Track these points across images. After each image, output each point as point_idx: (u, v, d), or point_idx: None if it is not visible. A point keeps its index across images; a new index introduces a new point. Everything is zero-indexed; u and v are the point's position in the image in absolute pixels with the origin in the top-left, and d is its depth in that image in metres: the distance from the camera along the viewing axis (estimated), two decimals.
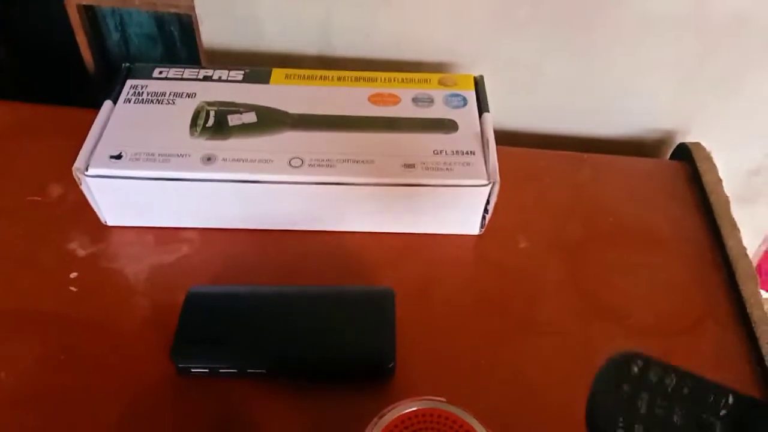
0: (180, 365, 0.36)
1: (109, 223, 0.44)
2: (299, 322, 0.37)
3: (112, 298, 0.41)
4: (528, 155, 0.51)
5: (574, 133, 0.56)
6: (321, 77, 0.47)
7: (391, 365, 0.36)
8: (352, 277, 0.42)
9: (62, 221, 0.45)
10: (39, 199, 0.46)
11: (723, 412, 0.24)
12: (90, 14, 0.61)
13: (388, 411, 0.28)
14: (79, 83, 0.64)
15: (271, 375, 0.37)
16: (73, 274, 0.42)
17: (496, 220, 0.44)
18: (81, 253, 0.43)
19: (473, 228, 0.44)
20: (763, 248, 0.65)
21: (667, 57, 0.51)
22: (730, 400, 0.24)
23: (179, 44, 0.63)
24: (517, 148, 0.51)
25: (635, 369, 0.25)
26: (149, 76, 0.47)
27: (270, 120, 0.44)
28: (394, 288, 0.40)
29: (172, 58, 0.64)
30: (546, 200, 0.48)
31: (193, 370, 0.36)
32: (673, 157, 0.52)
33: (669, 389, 0.24)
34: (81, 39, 0.61)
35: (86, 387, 0.36)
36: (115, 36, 0.63)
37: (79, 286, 0.41)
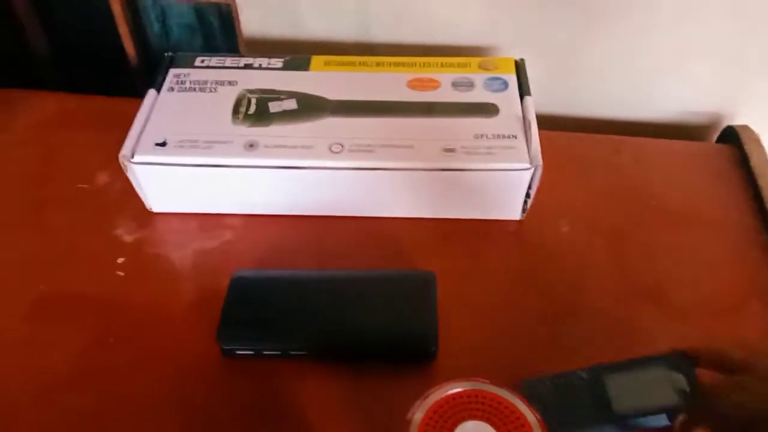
0: (225, 347, 0.37)
1: (155, 210, 0.45)
2: (341, 306, 0.38)
3: (159, 283, 0.42)
4: (569, 139, 0.50)
5: (615, 117, 0.55)
6: (360, 63, 0.48)
7: (433, 349, 0.36)
8: (393, 262, 0.43)
9: (109, 208, 0.46)
10: (86, 186, 0.47)
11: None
12: (132, 5, 0.62)
13: (433, 392, 0.28)
14: (121, 74, 0.65)
15: (314, 357, 0.37)
16: (121, 259, 0.43)
17: (537, 205, 0.43)
18: (127, 238, 0.44)
19: (515, 213, 0.44)
20: None
21: (710, 38, 0.49)
22: None
23: (219, 34, 0.63)
24: (557, 132, 0.50)
25: None
26: (191, 65, 0.47)
27: (310, 106, 0.44)
28: (436, 273, 0.40)
29: (211, 49, 0.64)
30: (587, 184, 0.47)
31: (238, 352, 0.37)
32: (719, 140, 0.51)
33: None
34: (123, 30, 0.62)
35: (135, 369, 0.37)
36: (156, 26, 0.64)
37: (126, 271, 0.42)
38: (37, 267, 0.42)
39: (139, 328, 0.39)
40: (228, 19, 0.61)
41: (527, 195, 0.43)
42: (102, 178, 0.48)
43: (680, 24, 0.49)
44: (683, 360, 0.33)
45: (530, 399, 0.28)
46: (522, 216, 0.44)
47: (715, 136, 0.52)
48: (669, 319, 0.39)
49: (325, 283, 0.39)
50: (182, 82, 0.46)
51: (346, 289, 0.39)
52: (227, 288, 0.39)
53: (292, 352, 0.37)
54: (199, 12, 0.62)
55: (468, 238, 0.44)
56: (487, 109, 0.44)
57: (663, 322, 0.39)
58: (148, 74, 0.64)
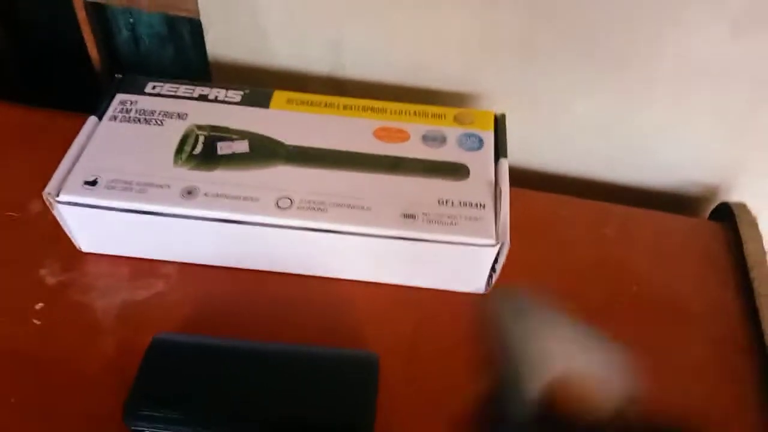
0: (132, 428, 0.33)
1: (84, 250, 0.41)
2: (268, 388, 0.34)
3: (76, 337, 0.38)
4: (548, 201, 0.46)
5: (602, 178, 0.50)
6: (326, 104, 0.43)
7: None
8: (336, 329, 0.39)
9: (37, 243, 0.42)
10: (16, 215, 0.43)
11: None
12: (99, 11, 0.58)
13: None
14: (86, 82, 0.61)
15: None
16: (39, 305, 0.39)
17: (506, 276, 0.39)
18: (50, 281, 0.40)
19: (478, 286, 0.40)
20: None
21: (713, 103, 0.45)
22: None
23: (190, 48, 0.59)
24: (536, 192, 0.46)
25: None
26: (141, 91, 0.43)
27: (263, 151, 0.40)
28: (383, 346, 0.36)
29: (182, 61, 0.60)
30: (565, 257, 0.43)
31: None
32: (712, 216, 0.47)
33: None
34: (88, 36, 0.58)
35: None
36: (125, 34, 0.60)
37: (43, 319, 0.38)
38: None
39: (47, 387, 0.35)
40: (199, 33, 0.57)
41: (493, 269, 0.38)
42: (35, 206, 0.44)
43: (683, 83, 0.45)
44: None
45: None
46: (487, 290, 0.40)
47: (709, 210, 0.48)
48: None
49: (253, 358, 0.35)
50: (127, 111, 0.42)
51: (276, 368, 0.34)
52: (143, 355, 0.35)
53: None
54: (170, 23, 0.58)
55: (423, 308, 0.40)
56: (457, 171, 0.40)
57: None
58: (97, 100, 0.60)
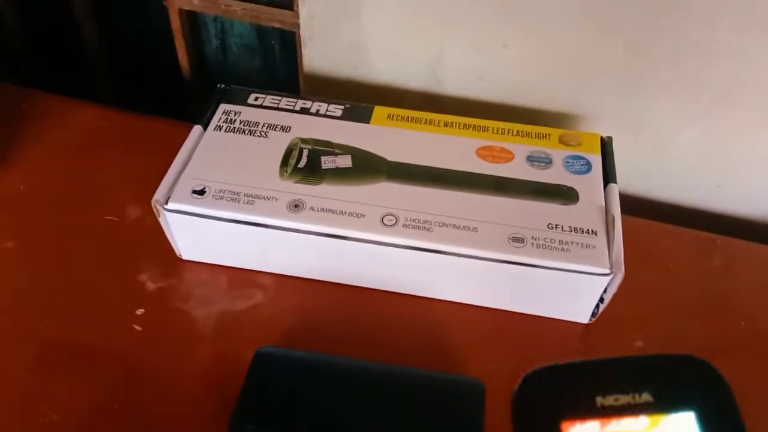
0: None
1: (184, 257, 0.41)
2: (374, 410, 0.33)
3: (176, 345, 0.38)
4: (651, 230, 0.44)
5: (705, 207, 0.49)
6: (426, 121, 0.43)
7: None
8: (438, 352, 0.38)
9: (136, 248, 0.42)
10: (116, 219, 0.44)
11: None
12: (191, 19, 0.58)
13: None
14: (175, 89, 0.62)
15: None
16: (140, 311, 0.39)
17: (609, 309, 0.38)
18: (151, 286, 0.40)
19: (583, 316, 0.39)
20: None
21: None
22: None
23: (279, 59, 0.60)
24: (639, 219, 0.44)
25: None
26: (244, 102, 0.43)
27: (366, 167, 0.40)
28: (484, 373, 0.35)
29: (270, 72, 0.61)
30: (669, 290, 0.41)
31: None
32: None
33: None
34: (180, 44, 0.59)
35: None
36: (214, 43, 0.61)
37: (144, 325, 0.38)
38: (51, 305, 0.39)
39: (148, 396, 0.35)
40: (290, 46, 0.57)
41: (600, 300, 0.37)
42: (134, 212, 0.44)
43: None
44: None
45: None
46: (591, 320, 0.39)
47: None
48: None
49: (358, 376, 0.34)
50: (231, 121, 0.42)
51: (382, 389, 0.34)
52: (248, 368, 0.34)
53: None
54: (261, 33, 0.59)
55: (526, 336, 0.39)
56: (566, 195, 0.39)
57: None
58: (201, 93, 0.61)
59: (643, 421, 0.20)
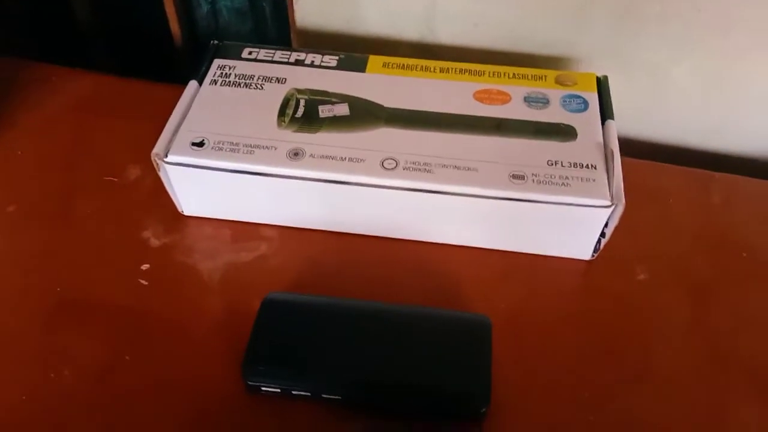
0: (250, 383, 0.33)
1: (186, 213, 0.41)
2: (384, 346, 0.33)
3: (183, 297, 0.38)
4: (650, 169, 0.45)
5: (704, 147, 0.49)
6: (422, 68, 0.43)
7: (483, 410, 0.32)
8: (443, 295, 0.38)
9: (137, 206, 0.42)
10: (116, 180, 0.44)
11: None
12: None
13: None
14: (166, 55, 0.62)
15: (348, 403, 0.33)
16: (145, 266, 0.39)
17: (610, 245, 0.38)
18: (155, 242, 0.40)
19: (585, 252, 0.39)
20: None
21: None
22: None
23: (270, 21, 0.59)
24: (637, 160, 0.44)
25: None
26: (238, 56, 0.43)
27: (363, 113, 0.40)
28: (488, 313, 0.35)
29: (261, 35, 0.60)
30: (670, 225, 0.41)
31: (263, 389, 0.33)
32: None
33: None
34: (170, 10, 0.58)
35: (149, 396, 0.34)
36: (204, 7, 0.60)
37: (150, 280, 0.38)
38: (57, 266, 0.39)
39: (159, 348, 0.36)
40: (281, 6, 0.57)
41: (602, 234, 0.37)
42: (133, 172, 0.44)
43: None
44: None
45: None
46: (593, 256, 0.39)
47: None
48: (759, 402, 0.33)
49: (367, 316, 0.35)
50: (227, 75, 0.42)
51: (391, 326, 0.34)
52: (257, 313, 0.35)
53: (324, 395, 0.33)
54: None
55: (528, 275, 0.39)
56: (564, 132, 0.39)
57: (756, 407, 0.33)
58: (193, 58, 0.61)
59: None
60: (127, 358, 0.35)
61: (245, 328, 0.34)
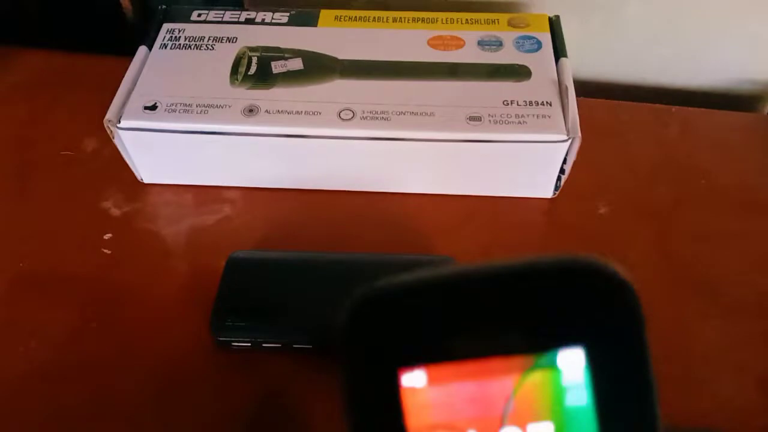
0: (219, 339, 0.33)
1: (146, 181, 0.41)
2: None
3: (148, 262, 0.37)
4: (607, 107, 0.45)
5: (660, 83, 0.49)
6: (375, 19, 0.42)
7: None
8: (408, 243, 0.38)
9: (96, 178, 0.41)
10: (72, 153, 0.43)
11: None
12: None
13: None
14: (117, 28, 0.60)
15: (318, 351, 0.33)
16: (107, 235, 0.39)
17: (571, 182, 0.38)
18: (115, 212, 0.40)
19: (546, 190, 0.39)
20: None
21: None
22: None
23: None
24: (594, 99, 0.45)
25: None
26: (187, 19, 0.43)
27: (317, 67, 0.39)
28: (454, 255, 0.35)
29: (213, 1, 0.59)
30: (629, 159, 0.42)
31: (233, 344, 0.33)
32: None
33: None
34: None
35: (119, 359, 0.34)
36: None
37: (114, 248, 0.38)
38: (18, 241, 0.38)
39: (126, 313, 0.35)
40: None
41: (561, 170, 0.38)
42: (89, 144, 0.43)
43: None
44: None
45: None
46: (554, 194, 0.39)
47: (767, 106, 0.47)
48: (722, 317, 0.34)
49: (332, 267, 0.35)
50: (176, 38, 0.41)
51: (356, 274, 0.34)
52: (222, 271, 0.35)
53: (294, 345, 0.33)
54: None
55: (492, 217, 0.39)
56: (518, 72, 0.39)
57: (717, 321, 0.34)
58: (145, 30, 0.60)
59: (513, 362, 0.15)
60: (93, 325, 0.35)
61: (212, 289, 0.34)
